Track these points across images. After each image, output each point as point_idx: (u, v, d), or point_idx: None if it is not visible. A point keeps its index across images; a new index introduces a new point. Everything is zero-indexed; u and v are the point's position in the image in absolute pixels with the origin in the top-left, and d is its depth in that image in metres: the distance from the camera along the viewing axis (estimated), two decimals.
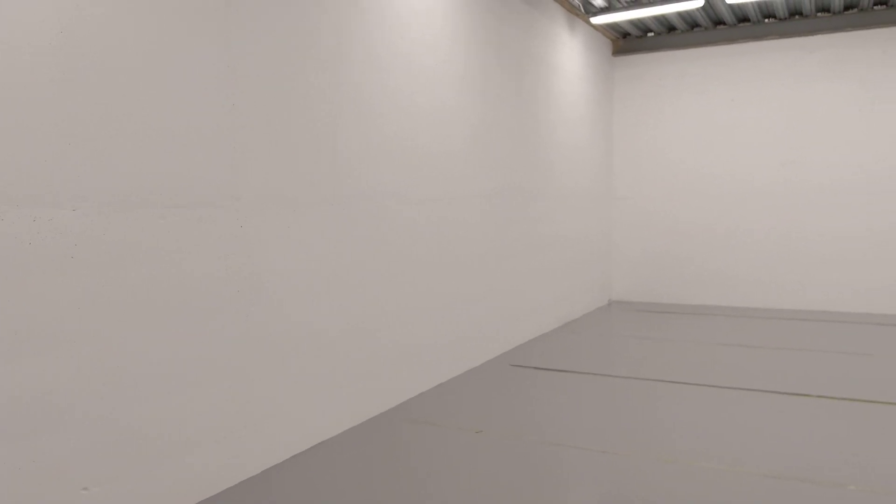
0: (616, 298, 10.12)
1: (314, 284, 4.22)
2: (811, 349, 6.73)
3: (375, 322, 4.80)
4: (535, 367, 6.17)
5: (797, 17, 8.83)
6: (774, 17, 8.88)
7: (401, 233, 5.09)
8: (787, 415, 4.78)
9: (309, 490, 3.63)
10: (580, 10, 8.35)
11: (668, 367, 6.14)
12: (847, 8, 8.51)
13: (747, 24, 9.09)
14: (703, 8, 8.43)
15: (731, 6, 8.35)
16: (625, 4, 8.28)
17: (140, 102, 3.16)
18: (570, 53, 8.38)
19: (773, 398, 5.15)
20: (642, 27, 9.38)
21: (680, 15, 8.79)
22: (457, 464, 3.97)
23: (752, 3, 8.20)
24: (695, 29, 9.39)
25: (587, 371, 6.05)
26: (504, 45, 6.68)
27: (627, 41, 9.82)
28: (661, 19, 8.99)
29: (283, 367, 4.00)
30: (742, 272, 9.33)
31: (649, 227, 9.88)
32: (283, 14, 3.97)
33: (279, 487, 3.67)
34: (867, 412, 4.80)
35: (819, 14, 8.72)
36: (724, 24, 9.17)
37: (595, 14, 8.42)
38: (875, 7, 8.44)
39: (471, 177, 6.10)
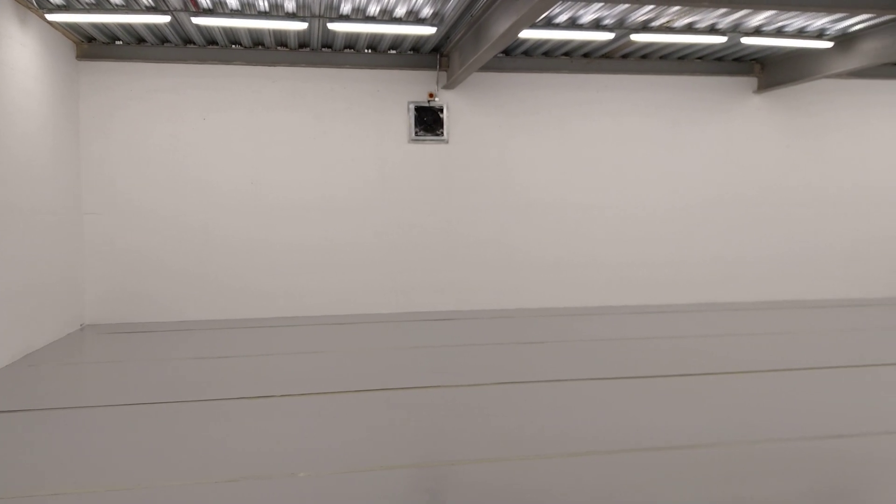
0: (90, 322, 9.34)
1: None
2: (284, 352, 7.38)
3: None
4: None
5: (260, 47, 9.57)
6: (240, 44, 9.45)
7: None
8: (234, 419, 5.13)
9: None
10: (33, 4, 7.47)
11: (139, 388, 5.95)
12: (301, 46, 9.60)
13: (216, 46, 9.45)
14: (171, 24, 8.43)
15: (198, 27, 8.55)
16: (85, 6, 7.73)
17: None
18: (22, 50, 7.41)
19: (230, 404, 5.47)
20: (109, 34, 8.89)
21: (148, 27, 8.60)
22: None
23: (218, 27, 8.56)
24: (165, 44, 9.34)
25: (44, 407, 5.43)
26: None
27: (93, 46, 9.17)
28: (128, 28, 8.65)
29: None
30: (217, 283, 9.62)
31: (126, 243, 9.39)
32: None
33: None
34: (320, 404, 5.49)
35: (279, 48, 9.61)
36: (194, 43, 9.35)
37: (51, 11, 7.66)
38: (323, 49, 9.73)
39: None
